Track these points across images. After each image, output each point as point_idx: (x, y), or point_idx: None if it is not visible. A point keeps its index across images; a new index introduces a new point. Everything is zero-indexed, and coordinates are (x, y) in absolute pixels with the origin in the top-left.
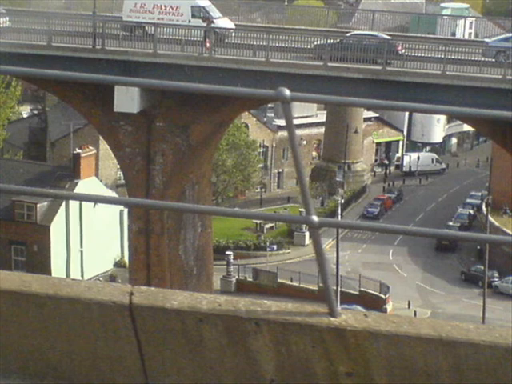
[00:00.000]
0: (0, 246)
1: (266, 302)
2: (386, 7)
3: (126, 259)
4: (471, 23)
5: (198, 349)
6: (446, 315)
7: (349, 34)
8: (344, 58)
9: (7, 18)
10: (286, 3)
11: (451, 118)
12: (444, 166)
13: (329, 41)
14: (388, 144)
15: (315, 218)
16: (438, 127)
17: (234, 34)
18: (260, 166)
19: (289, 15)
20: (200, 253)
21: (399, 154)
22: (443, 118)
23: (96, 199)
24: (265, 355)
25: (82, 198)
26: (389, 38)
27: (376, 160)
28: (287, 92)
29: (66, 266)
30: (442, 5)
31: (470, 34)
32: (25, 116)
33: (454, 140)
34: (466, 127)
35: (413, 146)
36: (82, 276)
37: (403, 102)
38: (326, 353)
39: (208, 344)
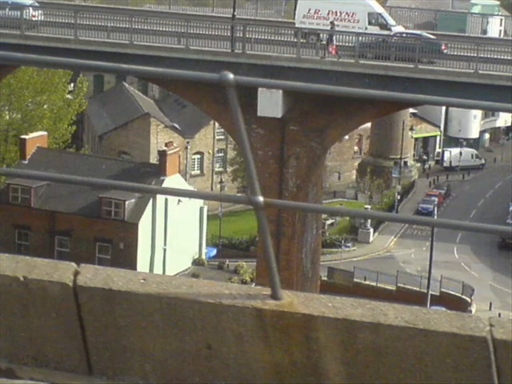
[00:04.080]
0: (85, 243)
1: (205, 281)
2: (413, 3)
3: (204, 257)
4: (501, 20)
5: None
6: None
7: (392, 33)
8: (387, 56)
9: (41, 11)
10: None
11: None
12: (483, 161)
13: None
14: (425, 139)
15: (260, 199)
16: (474, 123)
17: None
18: None
19: None
20: (314, 255)
21: (439, 150)
22: (479, 113)
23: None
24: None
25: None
26: (433, 37)
27: (414, 155)
28: (231, 76)
29: (149, 264)
30: (472, 1)
31: (500, 31)
32: None
33: (487, 135)
34: (499, 123)
35: (449, 141)
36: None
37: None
38: (267, 336)
39: None
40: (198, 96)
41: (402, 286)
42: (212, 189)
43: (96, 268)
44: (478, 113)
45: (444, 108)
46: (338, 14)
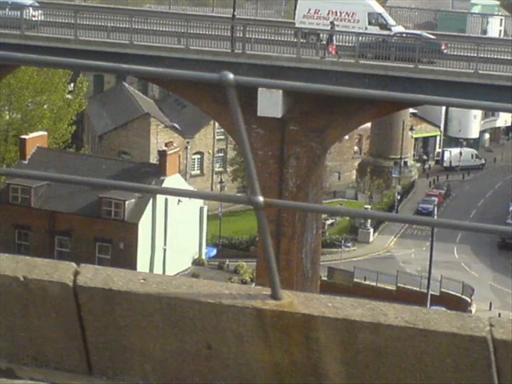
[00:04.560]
0: (85, 243)
1: (205, 281)
2: (413, 3)
3: (204, 257)
4: (501, 20)
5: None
6: None
7: (392, 33)
8: (387, 56)
9: (41, 11)
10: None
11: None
12: (483, 161)
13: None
14: (425, 139)
15: (260, 199)
16: (474, 123)
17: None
18: None
19: None
20: (314, 255)
21: (439, 150)
22: (479, 113)
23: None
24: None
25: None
26: (433, 37)
27: (414, 155)
28: (231, 76)
29: (149, 264)
30: (472, 1)
31: (500, 31)
32: None
33: (486, 135)
34: (499, 123)
35: (449, 141)
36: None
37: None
38: (267, 336)
39: None
40: (198, 96)
41: (402, 285)
42: (212, 189)
43: (96, 268)
44: (478, 113)
45: (444, 108)
46: (338, 13)
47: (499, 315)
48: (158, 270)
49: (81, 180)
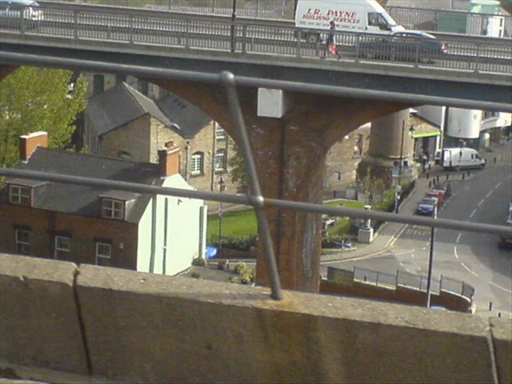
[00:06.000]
0: (85, 243)
1: (205, 281)
2: (413, 3)
3: (204, 257)
4: (501, 20)
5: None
6: None
7: (392, 33)
8: (387, 56)
9: (41, 11)
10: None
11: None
12: (483, 161)
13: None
14: (425, 139)
15: (260, 199)
16: (474, 123)
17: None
18: None
19: None
20: (314, 255)
21: (439, 150)
22: (479, 113)
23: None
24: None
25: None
26: (433, 37)
27: (414, 155)
28: (231, 76)
29: (149, 264)
30: (472, 1)
31: (500, 31)
32: None
33: (486, 135)
34: (499, 123)
35: (449, 141)
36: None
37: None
38: (267, 336)
39: None
40: (198, 96)
41: (402, 285)
42: (212, 189)
43: (96, 268)
44: (478, 113)
45: (444, 108)
46: (338, 14)
47: (499, 315)
48: (158, 270)
49: (81, 180)
